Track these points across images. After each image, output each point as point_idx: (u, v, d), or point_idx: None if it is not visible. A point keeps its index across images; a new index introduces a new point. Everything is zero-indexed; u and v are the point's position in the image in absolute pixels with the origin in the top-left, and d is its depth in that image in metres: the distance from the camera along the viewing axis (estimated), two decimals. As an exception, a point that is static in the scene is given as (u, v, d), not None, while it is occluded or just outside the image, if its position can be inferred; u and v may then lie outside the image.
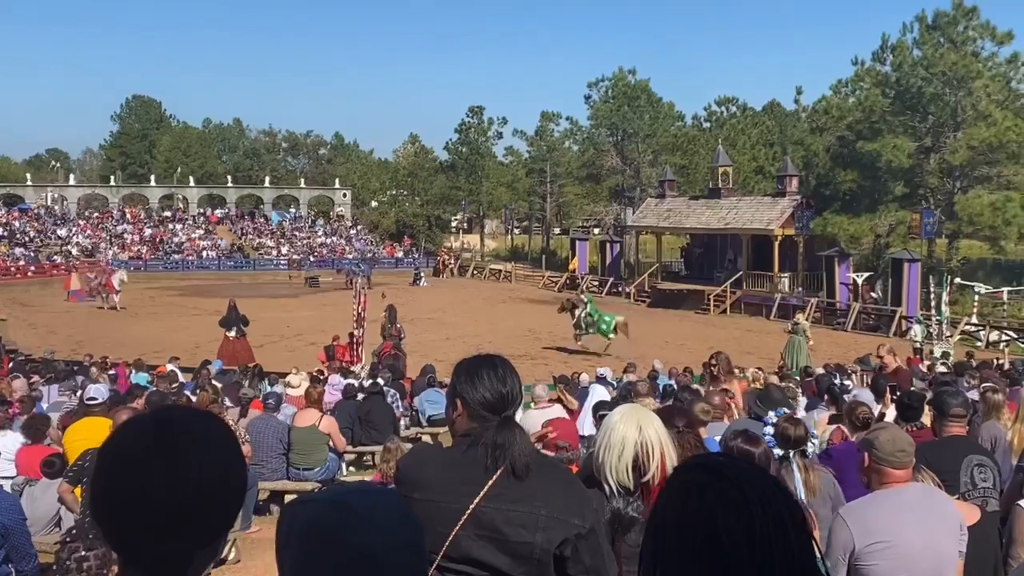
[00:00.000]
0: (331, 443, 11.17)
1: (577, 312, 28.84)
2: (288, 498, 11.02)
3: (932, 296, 32.94)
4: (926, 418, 6.90)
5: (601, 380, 15.51)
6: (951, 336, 31.58)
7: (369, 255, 52.64)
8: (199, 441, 1.52)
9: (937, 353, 25.91)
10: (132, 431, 1.53)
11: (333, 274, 50.40)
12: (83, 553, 6.26)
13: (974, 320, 35.44)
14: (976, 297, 37.31)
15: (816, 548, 1.36)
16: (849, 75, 47.21)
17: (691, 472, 1.43)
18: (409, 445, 10.02)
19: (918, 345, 28.44)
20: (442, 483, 2.77)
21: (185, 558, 1.48)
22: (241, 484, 1.58)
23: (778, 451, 4.94)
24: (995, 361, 21.88)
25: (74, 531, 6.44)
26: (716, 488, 1.35)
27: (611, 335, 27.81)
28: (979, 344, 32.49)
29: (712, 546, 1.30)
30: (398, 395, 16.60)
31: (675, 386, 15.29)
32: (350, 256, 56.32)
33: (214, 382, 15.96)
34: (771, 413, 5.77)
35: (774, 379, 14.81)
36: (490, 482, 2.74)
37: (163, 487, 1.43)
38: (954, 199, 40.63)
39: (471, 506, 2.71)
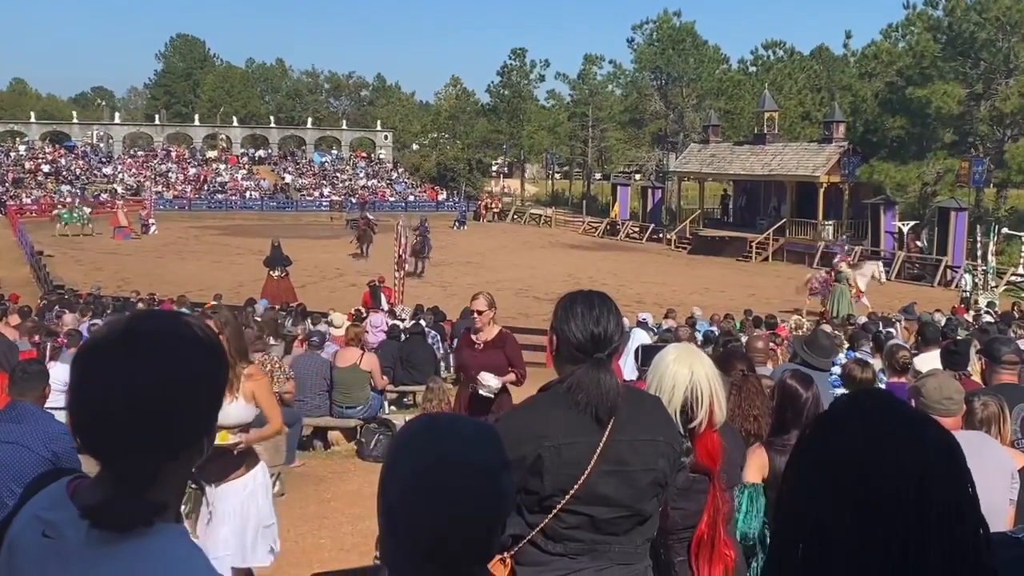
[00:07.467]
0: (372, 381, 11.25)
1: None
2: (331, 434, 11.20)
3: (979, 246, 32.46)
4: (974, 367, 6.84)
5: (642, 325, 15.52)
6: (996, 286, 31.20)
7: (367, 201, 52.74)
8: (164, 343, 1.47)
9: (982, 303, 25.61)
10: (104, 333, 1.51)
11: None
12: None
13: (1020, 271, 34.96)
14: (1023, 248, 36.74)
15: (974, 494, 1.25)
16: (900, 19, 46.24)
17: (847, 408, 1.33)
18: (451, 386, 10.08)
19: (967, 295, 28.14)
20: (563, 423, 2.67)
21: (153, 465, 1.44)
22: (214, 392, 1.54)
23: (840, 391, 4.93)
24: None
25: None
26: (881, 425, 1.26)
27: None
28: (1024, 295, 32.09)
29: (872, 482, 1.21)
30: (439, 336, 16.72)
31: (716, 332, 15.29)
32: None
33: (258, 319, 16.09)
34: (841, 355, 5.75)
35: (826, 328, 14.73)
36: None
37: (123, 389, 1.40)
38: (1004, 147, 39.76)
39: (603, 438, 2.66)
